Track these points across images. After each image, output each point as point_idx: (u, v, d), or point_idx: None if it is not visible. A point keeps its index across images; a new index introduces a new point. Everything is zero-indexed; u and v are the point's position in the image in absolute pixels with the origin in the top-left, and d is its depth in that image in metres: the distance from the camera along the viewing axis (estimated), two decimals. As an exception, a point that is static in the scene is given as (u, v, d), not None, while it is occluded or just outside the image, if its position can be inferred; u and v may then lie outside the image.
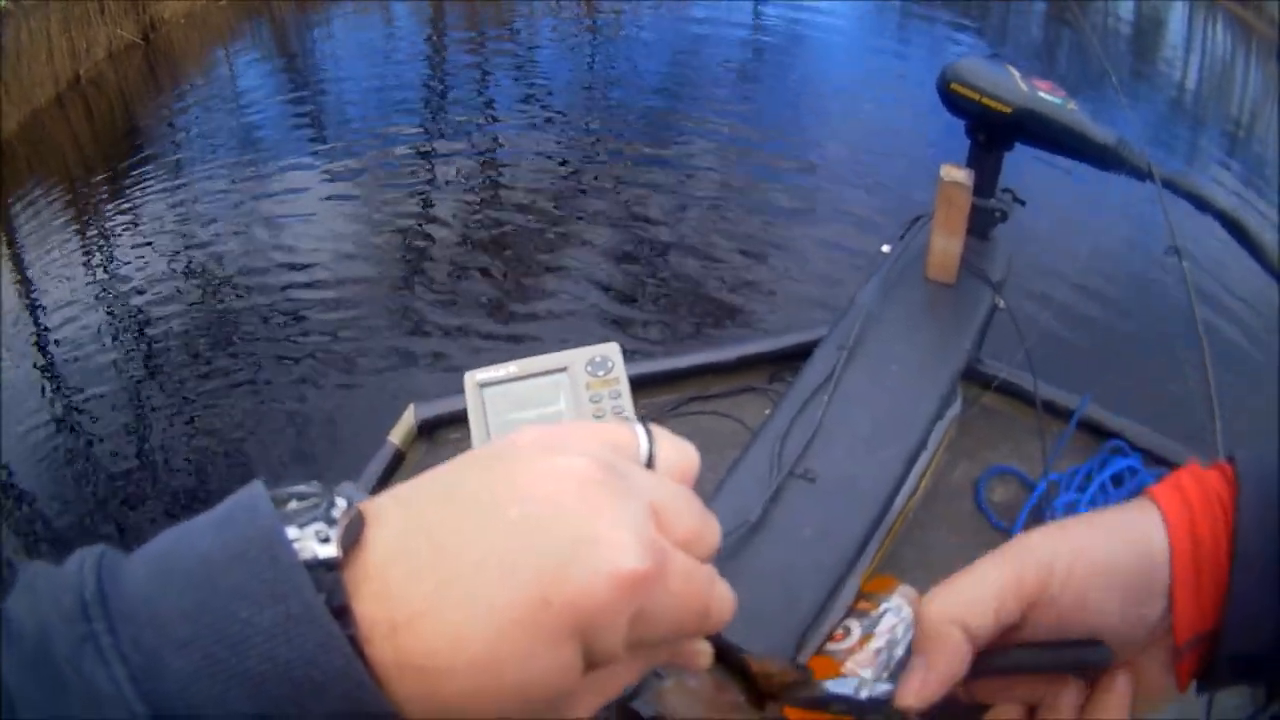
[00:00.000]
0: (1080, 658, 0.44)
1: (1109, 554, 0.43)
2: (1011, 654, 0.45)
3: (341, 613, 0.28)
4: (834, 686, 0.49)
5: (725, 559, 1.36)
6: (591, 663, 0.31)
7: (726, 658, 0.50)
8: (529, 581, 0.29)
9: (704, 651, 0.39)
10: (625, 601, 0.30)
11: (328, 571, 0.28)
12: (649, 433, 0.37)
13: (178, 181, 5.69)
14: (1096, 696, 0.46)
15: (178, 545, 0.30)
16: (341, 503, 0.30)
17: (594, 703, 0.34)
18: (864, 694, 0.47)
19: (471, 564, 0.29)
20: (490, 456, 0.33)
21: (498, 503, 0.31)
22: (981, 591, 0.44)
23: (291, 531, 0.29)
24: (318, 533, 0.29)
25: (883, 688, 0.48)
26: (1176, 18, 9.53)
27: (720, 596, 0.35)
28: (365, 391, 3.69)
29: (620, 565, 0.30)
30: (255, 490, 0.30)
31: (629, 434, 0.36)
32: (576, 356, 1.36)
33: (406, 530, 0.30)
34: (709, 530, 0.35)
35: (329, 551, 0.29)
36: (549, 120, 6.11)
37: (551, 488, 0.31)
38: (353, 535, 0.30)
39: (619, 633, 0.30)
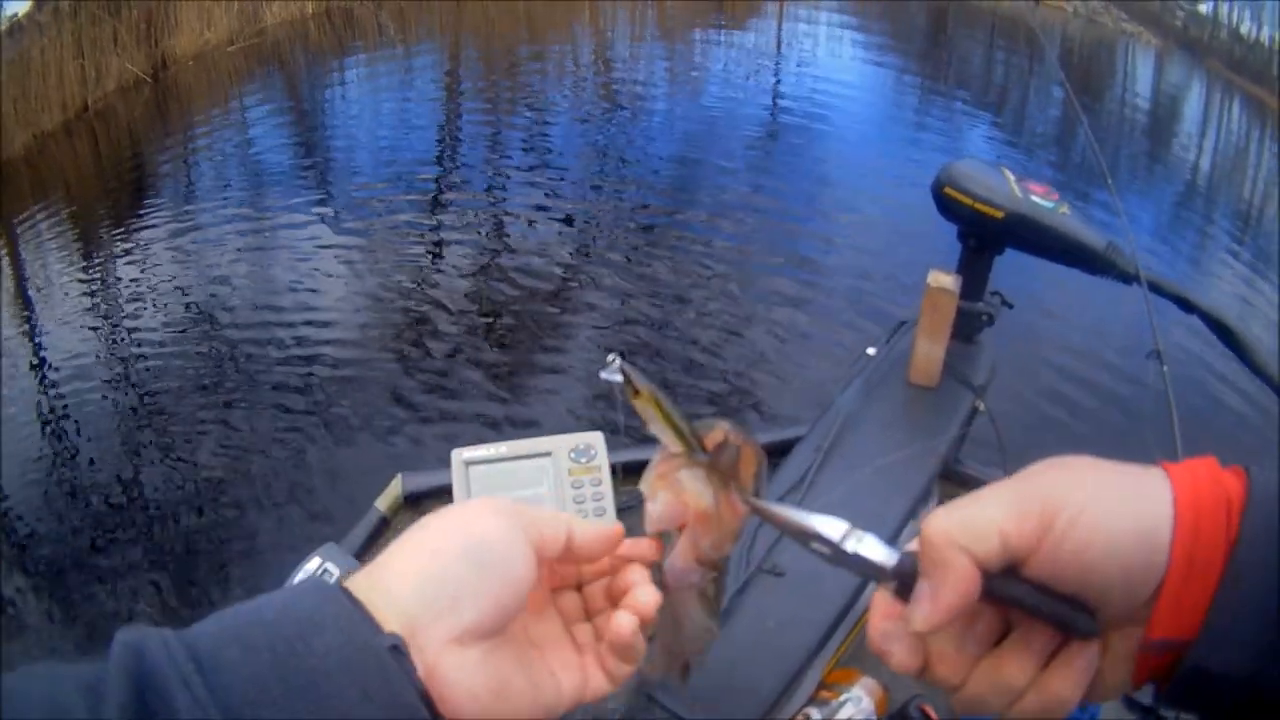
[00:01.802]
0: (1068, 619, 0.44)
1: (1116, 519, 0.42)
2: (1017, 586, 0.44)
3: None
4: None
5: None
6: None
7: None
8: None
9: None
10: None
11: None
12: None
13: (180, 223, 5.76)
14: (1058, 662, 0.45)
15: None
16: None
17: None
18: None
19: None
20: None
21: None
22: (987, 519, 0.44)
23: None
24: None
25: None
26: (1194, 96, 9.60)
27: (577, 521, 0.50)
28: (356, 454, 3.72)
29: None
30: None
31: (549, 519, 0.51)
32: (561, 443, 1.39)
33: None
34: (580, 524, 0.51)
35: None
36: (556, 195, 6.19)
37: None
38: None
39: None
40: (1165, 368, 1.71)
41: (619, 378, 0.48)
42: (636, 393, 0.49)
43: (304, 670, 0.38)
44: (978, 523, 0.44)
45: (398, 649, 0.41)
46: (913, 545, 0.48)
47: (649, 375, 0.50)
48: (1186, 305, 1.79)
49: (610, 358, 0.49)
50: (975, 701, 0.47)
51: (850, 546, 0.49)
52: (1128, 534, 0.42)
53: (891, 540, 1.49)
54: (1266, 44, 9.73)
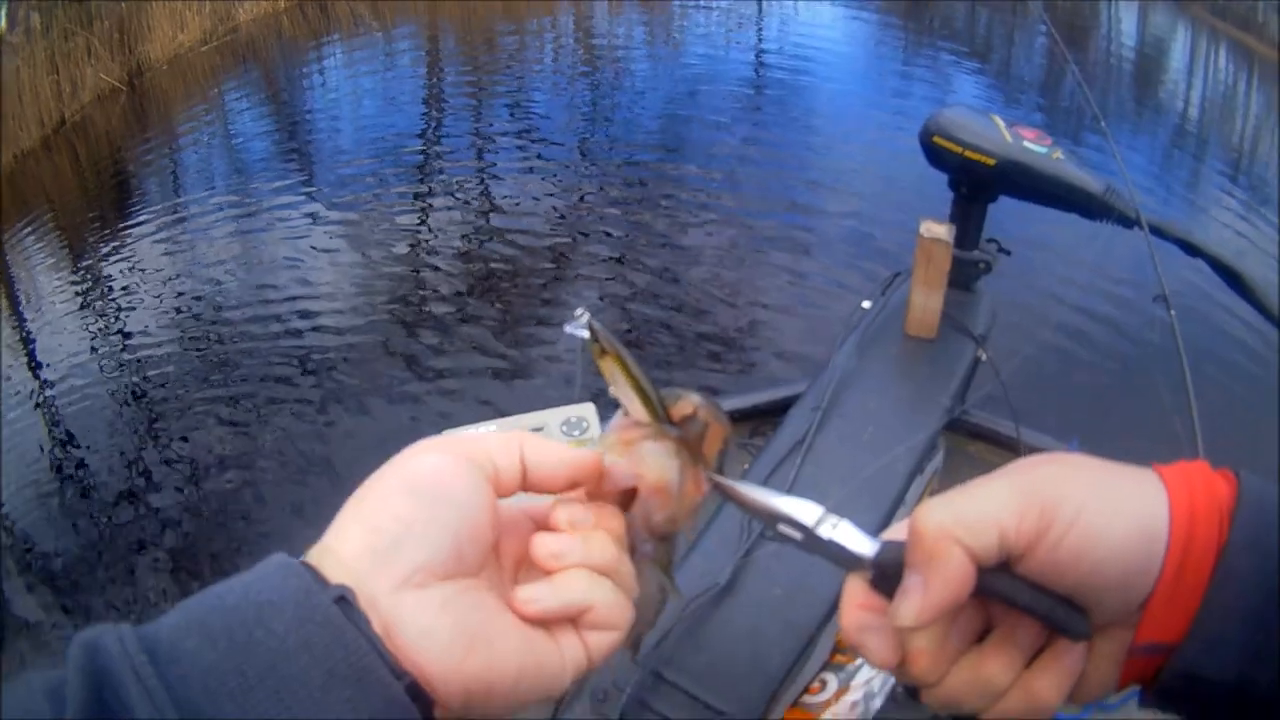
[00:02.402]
0: (1062, 621, 0.42)
1: (1116, 521, 0.41)
2: (1012, 583, 0.42)
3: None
4: None
5: (695, 622, 1.35)
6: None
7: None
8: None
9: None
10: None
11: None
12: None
13: (167, 219, 5.70)
14: (1043, 662, 0.44)
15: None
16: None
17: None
18: None
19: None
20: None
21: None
22: (985, 513, 0.42)
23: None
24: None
25: None
26: (1179, 44, 9.55)
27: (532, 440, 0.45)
28: (349, 437, 3.67)
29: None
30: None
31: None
32: (553, 416, 1.36)
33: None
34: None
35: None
36: (543, 164, 6.10)
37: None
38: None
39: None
40: (1173, 312, 1.68)
41: (585, 333, 0.44)
42: (603, 352, 0.45)
43: (262, 654, 0.36)
44: (975, 517, 0.42)
45: (344, 599, 0.38)
46: (892, 534, 0.46)
47: (619, 336, 0.46)
48: (1190, 248, 1.76)
49: (578, 311, 0.44)
50: (952, 700, 0.45)
51: (825, 533, 0.46)
52: (1128, 537, 0.41)
53: (895, 504, 1.45)
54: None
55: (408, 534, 0.40)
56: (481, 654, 0.40)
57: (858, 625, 0.45)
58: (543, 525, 0.46)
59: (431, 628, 0.39)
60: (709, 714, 1.24)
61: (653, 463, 0.46)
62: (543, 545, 0.44)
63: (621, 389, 0.46)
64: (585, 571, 0.44)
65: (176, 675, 0.35)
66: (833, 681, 1.57)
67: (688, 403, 0.47)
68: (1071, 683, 0.43)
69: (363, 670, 0.37)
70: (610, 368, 0.45)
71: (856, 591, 0.46)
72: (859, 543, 0.45)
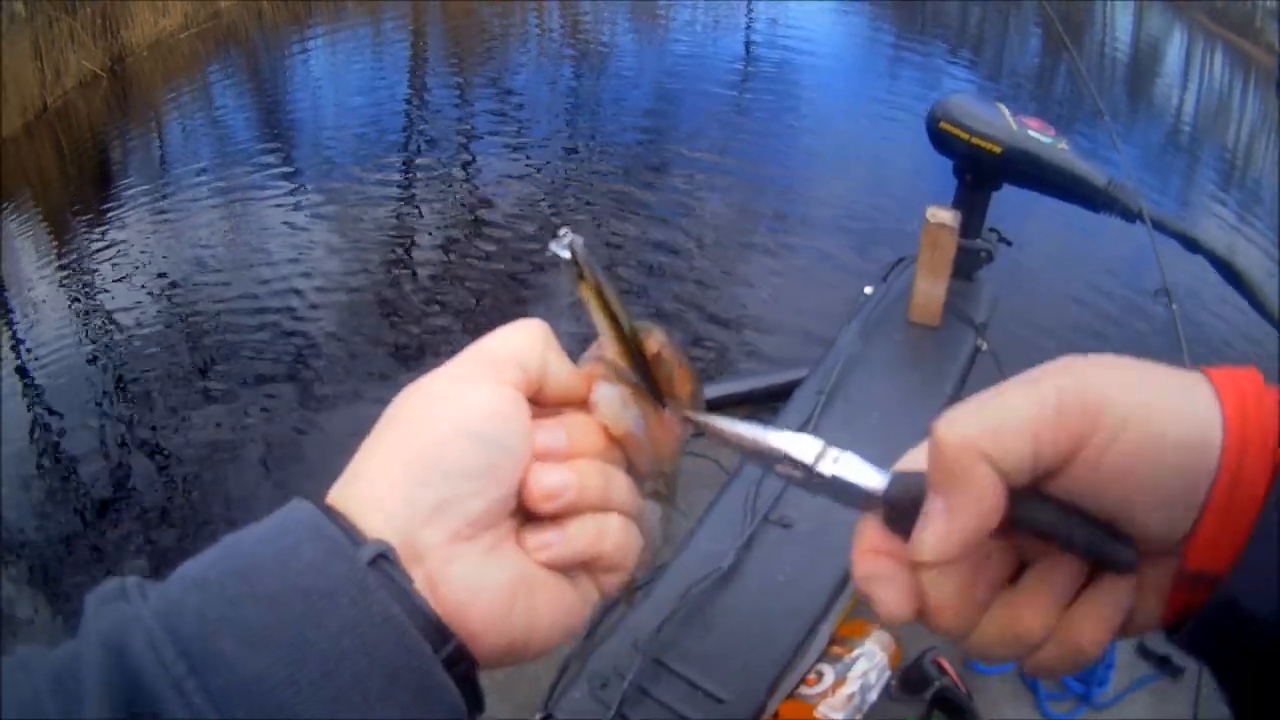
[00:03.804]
0: (1109, 551, 0.36)
1: (1168, 428, 0.35)
2: (1048, 509, 0.36)
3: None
4: None
5: (697, 606, 1.33)
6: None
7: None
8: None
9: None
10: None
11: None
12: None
13: (149, 214, 5.65)
14: (1084, 603, 0.38)
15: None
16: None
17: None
18: None
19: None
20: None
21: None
22: (1014, 423, 0.35)
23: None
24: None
25: None
26: (1174, 47, 9.57)
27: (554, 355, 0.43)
28: (343, 429, 3.65)
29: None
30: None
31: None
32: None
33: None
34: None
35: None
36: (530, 153, 6.08)
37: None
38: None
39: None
40: (1175, 305, 1.67)
41: (567, 254, 0.41)
42: (582, 277, 0.42)
43: (315, 658, 0.33)
44: (1006, 426, 0.35)
45: (384, 556, 0.35)
46: (906, 463, 0.40)
47: (604, 267, 0.43)
48: (1191, 244, 1.75)
49: (562, 231, 0.41)
50: (984, 652, 0.39)
51: (827, 469, 0.40)
52: (1179, 448, 0.35)
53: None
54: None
55: (465, 483, 0.38)
56: (524, 604, 0.39)
57: (868, 574, 0.40)
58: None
59: (481, 582, 0.37)
60: (709, 702, 1.22)
61: (606, 412, 0.43)
62: (537, 484, 0.40)
63: (596, 320, 0.43)
64: (592, 515, 0.41)
65: (219, 687, 0.31)
66: (829, 673, 1.56)
67: (654, 340, 0.44)
68: (1118, 624, 0.38)
69: (423, 674, 0.35)
70: (587, 296, 0.42)
71: (869, 536, 0.40)
72: (868, 477, 0.40)
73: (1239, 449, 0.35)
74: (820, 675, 1.57)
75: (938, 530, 0.36)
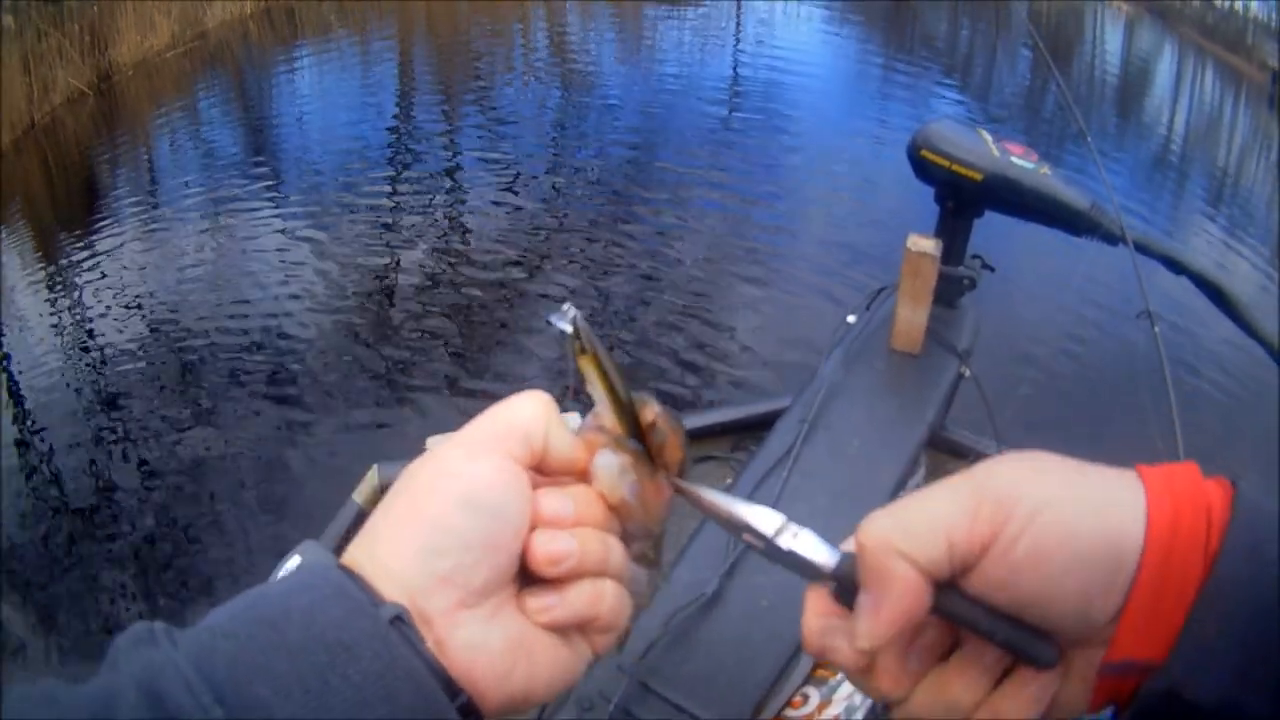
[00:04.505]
0: (1026, 647, 0.39)
1: (1078, 522, 0.37)
2: (970, 606, 0.39)
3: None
4: None
5: (682, 630, 1.34)
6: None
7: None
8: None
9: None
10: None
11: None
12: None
13: (135, 231, 5.66)
14: (1011, 683, 0.40)
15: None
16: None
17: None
18: None
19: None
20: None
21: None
22: (931, 519, 0.38)
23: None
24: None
25: None
26: (1165, 64, 9.61)
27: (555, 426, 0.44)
28: (328, 448, 3.65)
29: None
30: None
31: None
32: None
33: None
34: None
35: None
36: (515, 176, 6.10)
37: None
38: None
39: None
40: (1156, 328, 1.69)
41: (569, 328, 0.43)
42: (583, 350, 0.44)
43: (340, 705, 0.35)
44: (920, 525, 0.38)
45: (400, 619, 0.38)
46: (850, 545, 0.43)
47: (602, 338, 0.45)
48: (1175, 266, 1.76)
49: (565, 306, 0.44)
50: (919, 716, 0.42)
51: (785, 543, 0.44)
52: (1094, 539, 0.37)
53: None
54: (1240, 11, 9.72)
55: (468, 554, 0.40)
56: (524, 664, 0.41)
57: (819, 631, 0.44)
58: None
59: (484, 644, 0.40)
60: None
61: (605, 480, 0.45)
62: (542, 549, 0.42)
63: (595, 391, 0.45)
64: (590, 580, 0.43)
65: None
66: (814, 696, 1.57)
67: (650, 410, 0.47)
68: (1042, 707, 0.40)
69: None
70: (587, 367, 0.44)
71: (816, 601, 0.44)
72: (820, 553, 0.44)
73: (1167, 541, 0.36)
74: (806, 698, 1.57)
75: (866, 622, 0.39)
